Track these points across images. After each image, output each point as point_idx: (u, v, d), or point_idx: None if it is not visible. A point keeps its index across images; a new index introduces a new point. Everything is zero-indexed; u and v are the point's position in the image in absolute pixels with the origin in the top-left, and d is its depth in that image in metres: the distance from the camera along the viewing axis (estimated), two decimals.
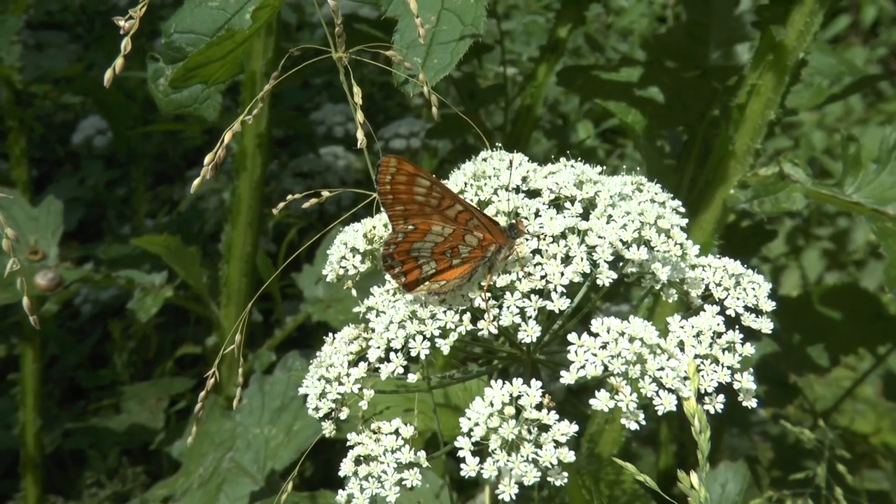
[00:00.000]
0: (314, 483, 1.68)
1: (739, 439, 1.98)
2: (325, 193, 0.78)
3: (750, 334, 0.67)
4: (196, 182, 0.64)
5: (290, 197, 0.78)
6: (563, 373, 0.60)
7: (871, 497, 1.63)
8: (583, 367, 0.59)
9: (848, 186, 1.11)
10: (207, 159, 0.65)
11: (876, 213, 1.05)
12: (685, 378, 0.59)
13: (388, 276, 0.68)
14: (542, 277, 0.63)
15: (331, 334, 0.72)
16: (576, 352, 0.60)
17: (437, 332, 0.63)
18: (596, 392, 0.59)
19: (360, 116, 0.69)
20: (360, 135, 0.69)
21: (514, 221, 0.66)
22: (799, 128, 3.12)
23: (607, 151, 2.92)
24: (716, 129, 1.33)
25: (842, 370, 2.21)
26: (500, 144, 0.75)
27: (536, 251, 0.65)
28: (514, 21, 3.02)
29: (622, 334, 0.60)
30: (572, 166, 0.74)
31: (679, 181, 1.32)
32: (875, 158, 1.12)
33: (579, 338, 0.60)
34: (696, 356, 0.62)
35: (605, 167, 0.74)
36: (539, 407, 0.58)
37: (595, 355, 0.59)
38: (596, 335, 0.60)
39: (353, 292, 0.73)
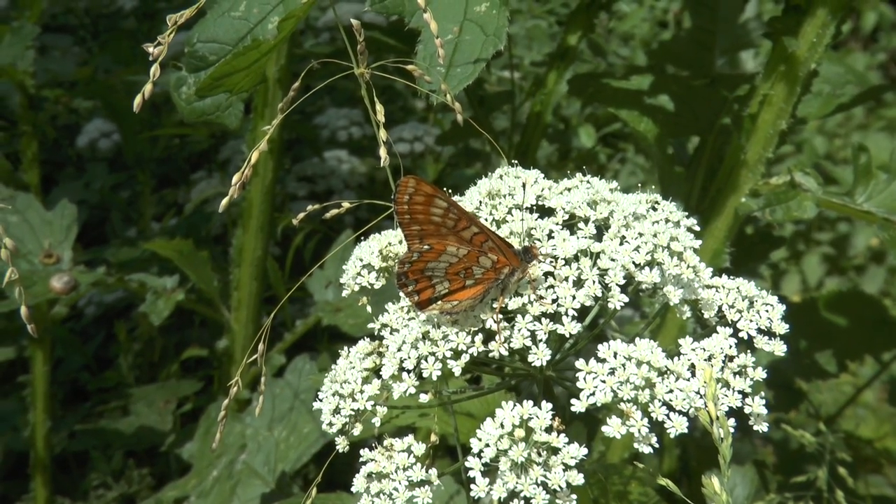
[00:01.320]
0: (317, 485, 1.68)
1: (741, 443, 1.98)
2: (346, 204, 0.79)
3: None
4: (224, 202, 0.65)
5: (310, 207, 0.79)
6: (573, 401, 0.60)
7: (875, 502, 1.63)
8: (592, 393, 0.59)
9: (859, 196, 1.12)
10: (235, 178, 0.66)
11: (887, 221, 1.06)
12: (699, 394, 0.60)
13: (401, 294, 0.69)
14: (554, 301, 0.63)
15: (346, 348, 0.73)
16: (584, 378, 0.60)
17: (448, 354, 0.64)
18: (608, 419, 0.59)
19: (383, 134, 0.70)
20: (382, 152, 0.69)
21: (528, 245, 0.66)
22: (800, 133, 3.13)
23: (608, 156, 2.92)
24: (726, 137, 1.33)
25: (843, 375, 2.21)
26: (516, 161, 0.75)
27: (549, 273, 0.65)
28: (516, 25, 3.02)
29: (629, 359, 0.60)
30: (588, 182, 0.73)
31: (690, 189, 1.32)
32: (884, 167, 1.13)
33: (587, 363, 0.60)
34: None
35: (608, 173, 0.74)
36: (549, 430, 0.59)
37: (604, 381, 0.59)
38: (604, 361, 0.60)
39: (368, 308, 0.74)
